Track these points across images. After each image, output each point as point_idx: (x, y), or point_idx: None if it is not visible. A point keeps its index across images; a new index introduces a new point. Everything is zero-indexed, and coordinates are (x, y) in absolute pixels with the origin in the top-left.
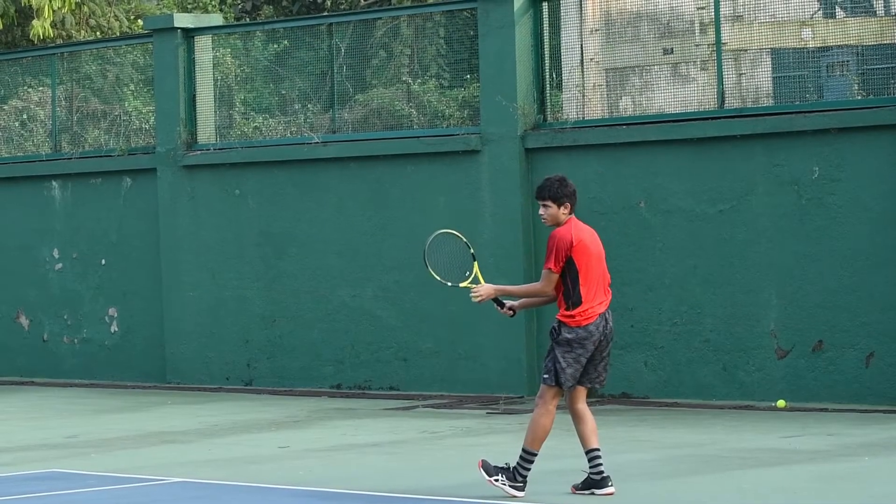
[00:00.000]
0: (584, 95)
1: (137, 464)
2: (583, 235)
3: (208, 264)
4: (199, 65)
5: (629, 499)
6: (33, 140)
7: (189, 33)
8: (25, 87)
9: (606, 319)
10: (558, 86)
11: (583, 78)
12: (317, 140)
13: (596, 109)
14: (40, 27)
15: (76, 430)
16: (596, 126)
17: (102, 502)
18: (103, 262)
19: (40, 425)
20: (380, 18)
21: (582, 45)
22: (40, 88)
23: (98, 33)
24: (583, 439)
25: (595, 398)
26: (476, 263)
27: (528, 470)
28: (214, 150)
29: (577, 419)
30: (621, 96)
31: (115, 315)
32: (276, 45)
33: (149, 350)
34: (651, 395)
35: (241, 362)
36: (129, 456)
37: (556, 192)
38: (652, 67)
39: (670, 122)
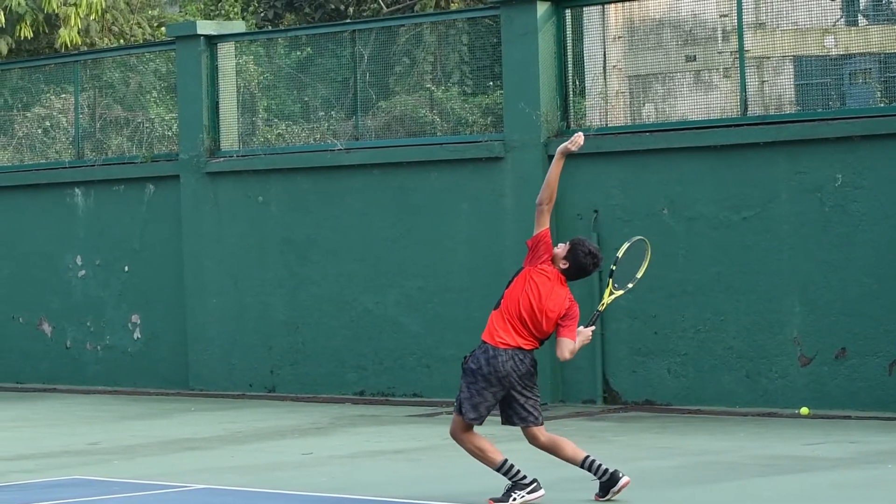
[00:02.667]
0: (607, 102)
1: (160, 470)
2: (543, 283)
3: (231, 271)
4: (222, 72)
5: None
6: (56, 147)
7: (212, 40)
8: (48, 95)
9: (519, 360)
10: (581, 93)
11: (606, 85)
12: (340, 147)
13: (619, 116)
14: (67, 36)
15: (99, 437)
16: (619, 133)
17: None
18: (126, 268)
19: (63, 432)
20: (403, 25)
21: (605, 52)
22: (63, 96)
23: (121, 41)
24: (571, 460)
25: (619, 405)
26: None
27: (520, 472)
28: (237, 156)
29: (551, 451)
30: (644, 103)
31: (138, 322)
32: (298, 53)
33: (172, 357)
34: (674, 402)
35: (264, 369)
36: (152, 462)
37: (574, 244)
38: (675, 75)
39: (693, 129)
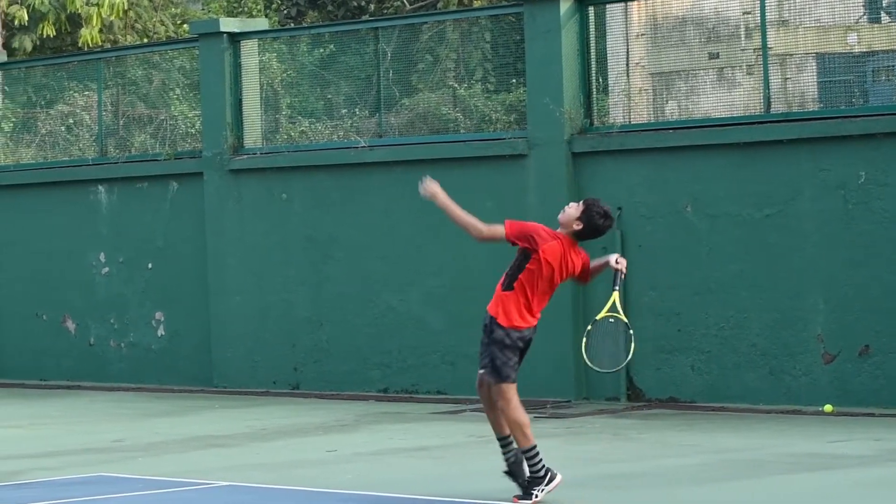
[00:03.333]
0: (630, 100)
1: (184, 468)
2: (553, 254)
3: (254, 268)
4: (245, 69)
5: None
6: (79, 145)
7: (235, 38)
8: (72, 92)
9: (534, 329)
10: (604, 90)
11: (629, 82)
12: (363, 144)
13: (642, 114)
14: (88, 35)
15: (123, 434)
16: (642, 130)
17: None
18: (150, 266)
19: (87, 429)
20: (425, 23)
21: (628, 49)
22: (86, 93)
23: (144, 38)
24: (499, 429)
25: (642, 402)
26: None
27: (542, 461)
28: (261, 154)
29: (496, 412)
30: (667, 101)
31: (162, 319)
32: (321, 50)
33: (195, 354)
34: (698, 400)
35: (287, 366)
36: (175, 460)
37: (589, 204)
38: (698, 72)
39: (716, 126)
